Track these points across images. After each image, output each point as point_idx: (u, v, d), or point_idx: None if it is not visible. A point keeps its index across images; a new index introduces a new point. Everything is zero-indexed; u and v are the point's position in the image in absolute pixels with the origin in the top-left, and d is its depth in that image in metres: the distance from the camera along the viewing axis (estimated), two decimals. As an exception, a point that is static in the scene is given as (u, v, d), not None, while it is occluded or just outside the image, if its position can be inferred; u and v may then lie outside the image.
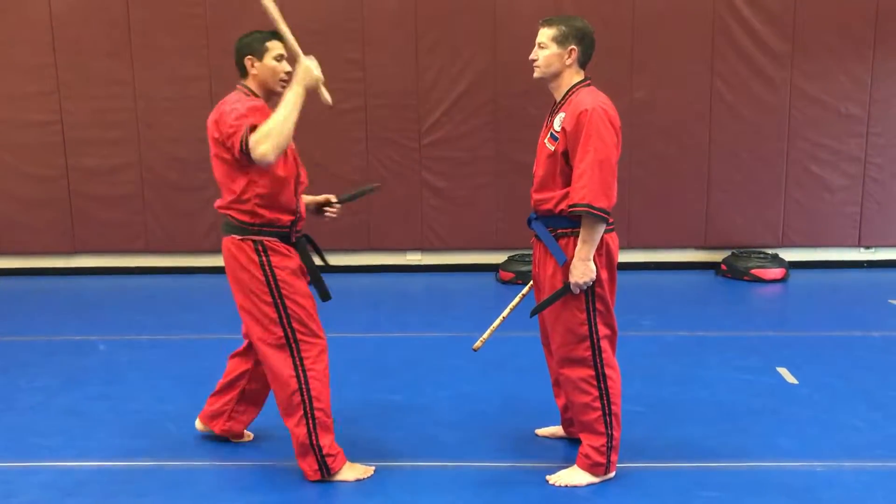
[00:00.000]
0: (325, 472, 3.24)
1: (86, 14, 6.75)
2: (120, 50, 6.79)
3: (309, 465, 3.24)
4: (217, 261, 7.10)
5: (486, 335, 3.50)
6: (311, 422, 3.18)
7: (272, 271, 3.16)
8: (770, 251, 6.91)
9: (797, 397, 4.11)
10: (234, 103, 3.12)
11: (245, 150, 2.98)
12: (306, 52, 3.19)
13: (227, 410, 3.56)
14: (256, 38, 3.23)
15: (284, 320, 3.17)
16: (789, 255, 6.96)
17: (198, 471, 3.39)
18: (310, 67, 3.14)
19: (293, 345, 3.19)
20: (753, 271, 6.62)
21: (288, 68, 3.25)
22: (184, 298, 6.40)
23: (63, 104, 6.87)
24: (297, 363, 3.18)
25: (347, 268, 7.16)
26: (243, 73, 3.25)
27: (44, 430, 3.82)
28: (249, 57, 3.21)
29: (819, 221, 6.96)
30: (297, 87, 3.11)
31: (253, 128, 2.99)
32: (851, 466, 3.35)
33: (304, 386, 3.18)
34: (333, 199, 3.63)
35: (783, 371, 4.46)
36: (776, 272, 6.63)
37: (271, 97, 3.26)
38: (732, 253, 6.90)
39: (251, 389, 3.53)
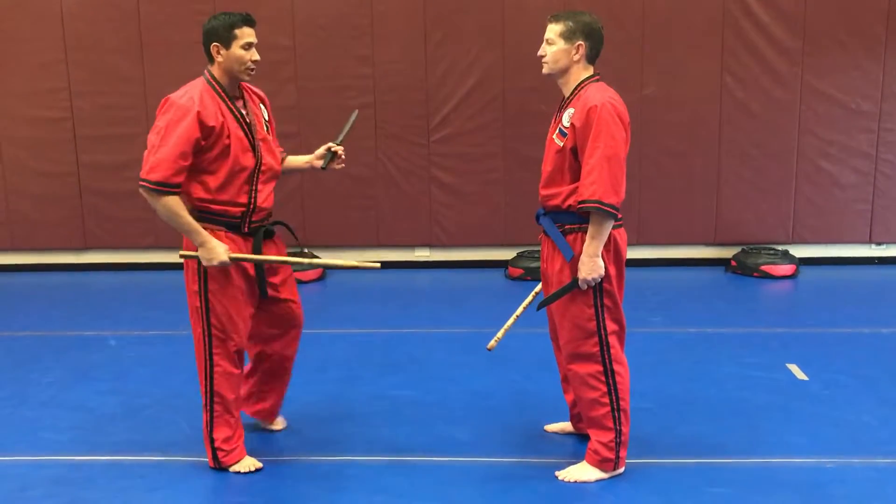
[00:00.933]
0: (217, 464, 3.33)
1: (96, 11, 6.77)
2: (130, 47, 6.80)
3: (207, 453, 3.35)
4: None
5: (500, 334, 3.47)
6: (208, 414, 3.27)
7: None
8: (780, 247, 6.88)
9: (807, 394, 4.10)
10: (177, 100, 3.08)
11: (140, 185, 3.04)
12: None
13: (254, 392, 3.61)
14: (223, 24, 3.09)
15: (203, 312, 3.20)
16: (800, 251, 6.93)
17: (207, 466, 3.39)
18: (215, 258, 3.10)
19: (207, 339, 3.22)
20: (763, 268, 6.59)
21: (256, 56, 3.15)
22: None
23: (74, 101, 6.90)
24: (207, 356, 3.23)
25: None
26: (210, 59, 3.15)
27: (55, 424, 3.84)
28: (216, 44, 3.10)
29: (830, 218, 6.93)
30: (198, 239, 3.09)
31: (162, 189, 3.01)
32: (861, 462, 3.34)
33: (208, 380, 3.24)
34: (334, 145, 3.48)
35: (793, 367, 4.45)
36: (786, 268, 6.60)
37: (236, 83, 3.20)
38: (742, 249, 6.87)
39: (267, 368, 3.57)
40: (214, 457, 3.33)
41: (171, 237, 7.15)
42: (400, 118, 6.85)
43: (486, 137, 6.88)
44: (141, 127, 6.91)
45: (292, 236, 3.60)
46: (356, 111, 3.55)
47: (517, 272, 6.64)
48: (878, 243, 7.02)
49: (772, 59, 6.69)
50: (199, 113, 3.05)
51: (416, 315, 5.71)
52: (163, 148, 3.03)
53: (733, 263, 6.79)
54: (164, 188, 3.03)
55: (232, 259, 3.13)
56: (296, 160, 3.56)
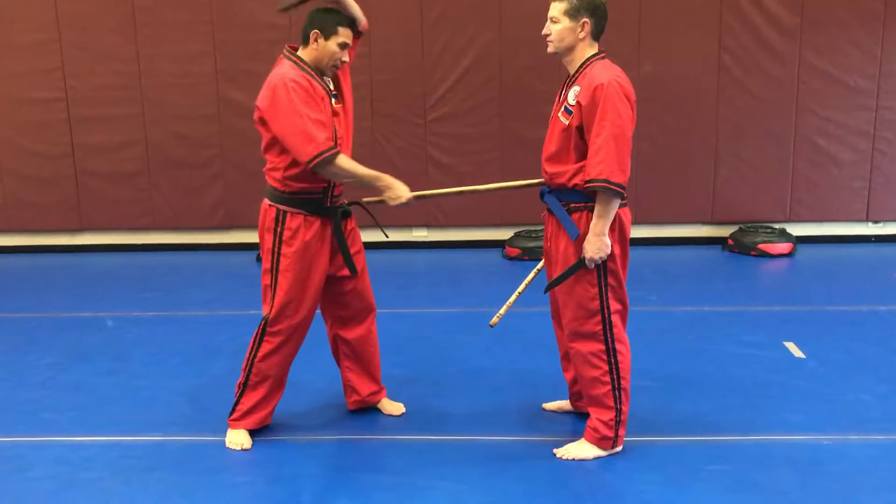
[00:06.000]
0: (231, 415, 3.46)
1: (89, -10, 6.71)
2: (124, 26, 6.75)
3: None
4: (223, 238, 7.16)
5: (502, 311, 3.48)
6: (244, 379, 3.40)
7: (280, 243, 3.30)
8: (777, 226, 6.89)
9: (804, 371, 4.12)
10: (283, 85, 3.13)
11: (311, 166, 3.11)
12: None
13: (344, 382, 3.70)
14: (331, 19, 3.22)
15: (271, 290, 3.33)
16: (796, 229, 6.94)
17: (206, 446, 3.41)
18: (402, 196, 3.29)
19: (266, 315, 3.35)
20: (760, 246, 6.60)
21: (346, 58, 3.27)
22: (190, 275, 6.41)
23: (68, 81, 6.85)
24: (260, 329, 3.35)
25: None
26: (305, 42, 3.25)
27: (54, 405, 3.85)
28: (316, 32, 3.21)
29: (827, 196, 6.93)
30: (381, 183, 3.28)
31: (332, 153, 3.10)
32: (858, 439, 3.36)
33: (253, 348, 3.37)
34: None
35: (790, 345, 4.46)
36: (783, 247, 6.61)
37: (319, 72, 3.28)
38: (739, 228, 6.88)
39: (344, 352, 3.66)
40: (233, 409, 3.44)
41: (167, 218, 7.16)
42: (396, 97, 6.81)
43: (483, 117, 6.85)
44: (135, 107, 6.88)
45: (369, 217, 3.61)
46: None
47: (514, 252, 6.64)
48: (875, 221, 7.03)
49: (770, 37, 6.66)
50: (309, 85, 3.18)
51: (413, 295, 5.72)
52: (307, 125, 3.13)
53: (730, 242, 6.79)
54: (325, 156, 3.12)
55: (417, 198, 3.34)
56: None
